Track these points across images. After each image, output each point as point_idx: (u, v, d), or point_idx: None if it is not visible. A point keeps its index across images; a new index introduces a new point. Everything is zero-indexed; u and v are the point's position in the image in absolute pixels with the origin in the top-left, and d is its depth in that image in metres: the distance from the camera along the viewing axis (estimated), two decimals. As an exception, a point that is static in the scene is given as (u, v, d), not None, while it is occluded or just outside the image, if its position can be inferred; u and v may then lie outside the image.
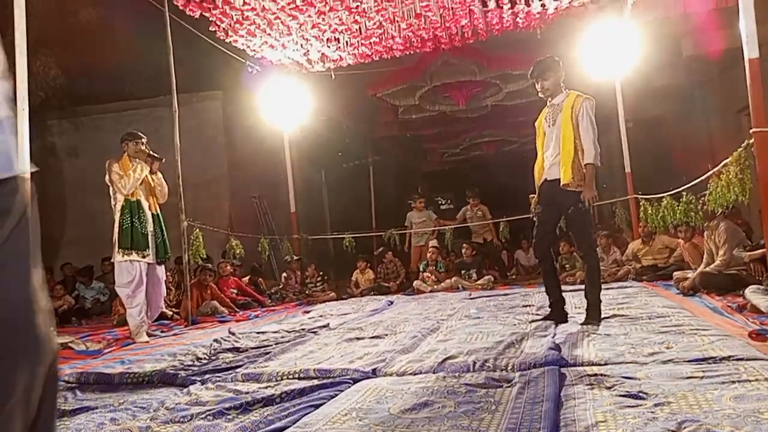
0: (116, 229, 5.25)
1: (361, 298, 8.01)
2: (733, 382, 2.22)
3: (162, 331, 5.79)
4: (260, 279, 8.74)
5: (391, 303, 6.82)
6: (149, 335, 5.35)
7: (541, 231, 4.19)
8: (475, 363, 2.92)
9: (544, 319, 4.22)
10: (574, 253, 7.67)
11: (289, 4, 6.41)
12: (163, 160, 5.71)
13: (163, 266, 5.67)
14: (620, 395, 2.20)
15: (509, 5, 6.94)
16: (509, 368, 2.83)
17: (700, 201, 5.50)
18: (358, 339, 4.18)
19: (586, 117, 3.98)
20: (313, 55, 8.05)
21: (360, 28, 7.22)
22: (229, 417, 2.40)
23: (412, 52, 8.06)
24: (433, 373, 2.87)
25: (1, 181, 1.21)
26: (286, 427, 2.18)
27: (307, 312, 6.67)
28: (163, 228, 5.59)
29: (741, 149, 4.20)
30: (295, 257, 9.06)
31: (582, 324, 3.90)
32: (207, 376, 3.22)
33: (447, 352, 3.26)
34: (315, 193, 13.55)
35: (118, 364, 3.86)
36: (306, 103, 9.12)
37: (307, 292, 8.61)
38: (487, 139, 14.45)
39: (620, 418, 1.94)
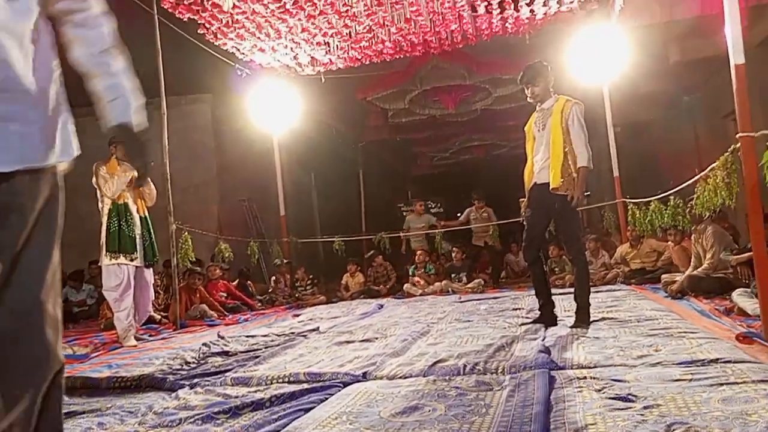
0: (103, 232, 5.20)
1: (351, 302, 8.00)
2: (721, 384, 2.24)
3: (150, 335, 5.74)
4: (249, 282, 8.70)
5: (381, 306, 6.81)
6: (137, 339, 5.30)
7: (530, 234, 4.21)
8: (465, 366, 2.92)
9: (534, 322, 4.23)
10: (564, 256, 7.70)
11: (279, 7, 6.40)
12: (152, 162, 5.66)
13: (151, 269, 5.62)
14: (610, 398, 2.21)
15: (498, 11, 6.99)
16: (499, 371, 2.83)
17: (688, 205, 5.55)
18: (348, 342, 4.17)
19: (577, 121, 4.01)
20: (302, 59, 8.04)
21: (350, 32, 7.22)
22: (218, 421, 2.38)
23: (402, 56, 8.08)
24: (424, 376, 2.87)
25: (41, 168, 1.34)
26: (276, 431, 2.16)
27: (297, 315, 6.65)
28: (152, 231, 5.54)
29: (728, 154, 4.24)
30: (285, 260, 9.02)
31: (571, 327, 3.92)
32: (196, 380, 3.20)
33: (437, 356, 3.26)
34: (305, 196, 13.51)
35: (105, 369, 3.82)
36: (296, 107, 9.10)
37: (296, 295, 8.57)
38: (477, 143, 14.51)
39: (610, 421, 1.95)
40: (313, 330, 4.97)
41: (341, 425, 2.18)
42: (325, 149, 12.65)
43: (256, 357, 3.78)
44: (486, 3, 6.82)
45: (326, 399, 2.56)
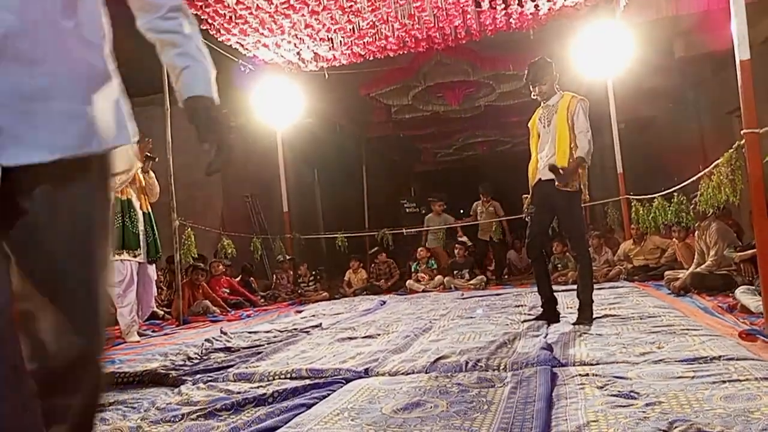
0: (107, 228, 5.19)
1: (354, 298, 8.00)
2: (724, 381, 2.23)
3: (153, 331, 5.76)
4: (252, 278, 8.71)
5: (384, 303, 6.82)
6: (140, 335, 5.31)
7: (533, 231, 4.20)
8: (467, 363, 2.92)
9: (537, 319, 4.23)
10: (567, 253, 7.69)
11: (282, 3, 6.39)
12: (156, 159, 5.67)
13: (154, 266, 5.63)
14: (612, 395, 2.21)
15: (502, 6, 6.96)
16: (501, 368, 2.83)
17: (692, 202, 5.53)
18: (350, 339, 4.17)
19: (582, 117, 4.00)
20: (306, 55, 8.03)
21: (353, 27, 7.21)
22: (220, 417, 2.39)
23: (405, 52, 8.05)
24: (426, 372, 2.87)
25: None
26: (277, 427, 2.17)
27: (300, 312, 6.66)
28: (155, 227, 5.55)
29: (732, 150, 4.22)
30: (288, 257, 9.03)
31: (574, 324, 3.91)
32: (198, 375, 3.20)
33: (439, 352, 3.26)
34: (308, 192, 13.52)
35: (108, 364, 3.83)
36: (299, 103, 9.10)
37: (299, 291, 8.59)
38: (480, 139, 14.47)
39: (612, 418, 1.95)
40: (316, 326, 4.97)
41: (343, 421, 2.18)
42: (328, 145, 12.65)
43: (259, 353, 3.78)
44: (490, -2, 6.80)
45: (328, 395, 2.57)
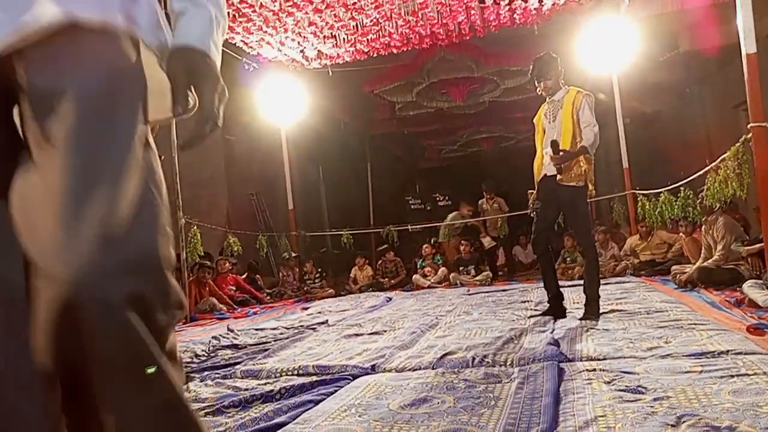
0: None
1: (360, 295, 8.02)
2: (732, 376, 2.22)
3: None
4: (258, 276, 8.74)
5: (390, 299, 6.83)
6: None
7: (539, 227, 4.19)
8: (474, 358, 2.93)
9: (543, 314, 4.22)
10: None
11: (286, 1, 6.39)
12: (162, 157, 5.69)
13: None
14: (619, 390, 2.20)
15: (506, 1, 6.94)
16: (508, 363, 2.83)
17: (699, 196, 5.52)
18: (356, 335, 4.18)
19: (587, 112, 3.99)
20: (310, 52, 8.03)
21: (357, 24, 7.20)
22: (228, 414, 2.40)
23: (409, 49, 8.05)
24: (432, 368, 2.87)
25: None
26: (285, 423, 2.18)
27: (306, 308, 6.67)
28: (161, 225, 5.57)
29: (739, 144, 4.21)
30: (293, 254, 9.05)
31: (581, 319, 3.91)
32: (206, 373, 3.22)
33: (446, 348, 3.27)
34: (313, 190, 13.54)
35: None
36: (303, 100, 9.11)
37: (305, 288, 8.60)
38: (485, 135, 14.44)
39: (619, 413, 1.94)
40: (322, 323, 4.99)
41: (350, 417, 2.19)
42: (332, 143, 12.66)
43: (266, 350, 3.80)
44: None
45: (335, 391, 2.57)
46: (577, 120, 3.99)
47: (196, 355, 3.81)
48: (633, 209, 7.79)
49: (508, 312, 4.72)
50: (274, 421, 2.20)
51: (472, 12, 7.15)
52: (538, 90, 4.22)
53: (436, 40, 7.82)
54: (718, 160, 4.57)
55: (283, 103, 8.93)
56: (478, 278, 8.05)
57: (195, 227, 6.91)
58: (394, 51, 7.98)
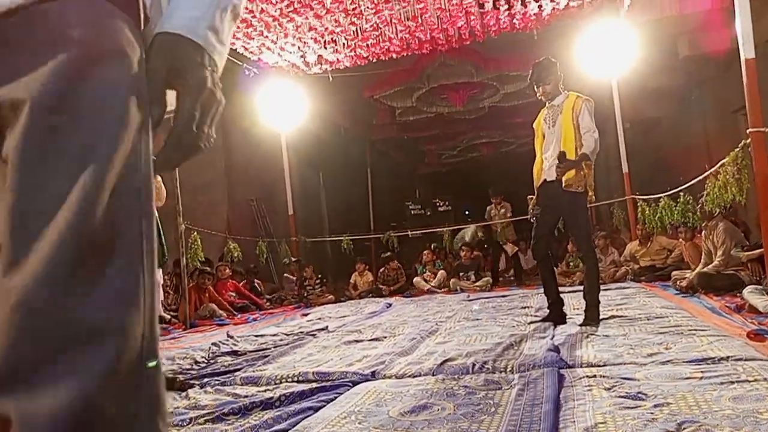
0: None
1: (360, 301, 8.01)
2: (732, 382, 2.22)
3: (160, 335, 5.76)
4: (257, 281, 8.73)
5: (390, 305, 6.82)
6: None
7: (539, 232, 4.19)
8: (474, 365, 2.92)
9: (543, 320, 4.22)
10: (580, 252, 7.71)
11: (287, 6, 6.41)
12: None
13: (160, 270, 5.65)
14: (619, 396, 2.20)
15: (506, 7, 6.96)
16: (508, 370, 2.83)
17: (699, 201, 5.52)
18: (356, 341, 4.17)
19: (587, 117, 3.99)
20: (310, 58, 8.05)
21: (357, 30, 7.23)
22: (228, 421, 2.39)
23: (409, 54, 8.07)
24: (432, 375, 2.87)
25: None
26: (285, 431, 2.17)
27: (306, 315, 6.66)
28: (161, 231, 5.57)
29: (738, 149, 4.21)
30: (293, 260, 9.05)
31: (581, 325, 3.90)
32: (206, 379, 3.21)
33: (446, 354, 3.26)
34: (313, 195, 13.54)
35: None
36: (303, 106, 9.12)
37: (305, 294, 8.59)
38: (485, 140, 14.47)
39: (620, 420, 1.94)
40: (322, 329, 4.98)
41: (350, 424, 2.18)
42: (333, 148, 12.67)
43: (266, 356, 3.79)
44: (493, -1, 6.81)
45: (335, 398, 2.57)
46: (577, 125, 3.99)
47: (196, 362, 3.80)
48: (633, 214, 7.79)
49: (508, 318, 4.72)
50: (274, 429, 2.19)
51: (472, 17, 7.17)
52: (537, 95, 4.23)
53: (436, 45, 7.85)
54: (718, 165, 4.57)
55: (283, 108, 8.95)
56: (478, 284, 8.05)
57: (195, 233, 6.91)
58: (394, 56, 8.00)
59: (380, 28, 7.26)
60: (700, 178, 5.15)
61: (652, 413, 1.96)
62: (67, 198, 0.64)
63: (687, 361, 2.61)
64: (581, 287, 4.28)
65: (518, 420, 2.06)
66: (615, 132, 8.25)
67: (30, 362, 0.60)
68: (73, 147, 0.66)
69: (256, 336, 4.83)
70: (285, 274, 9.04)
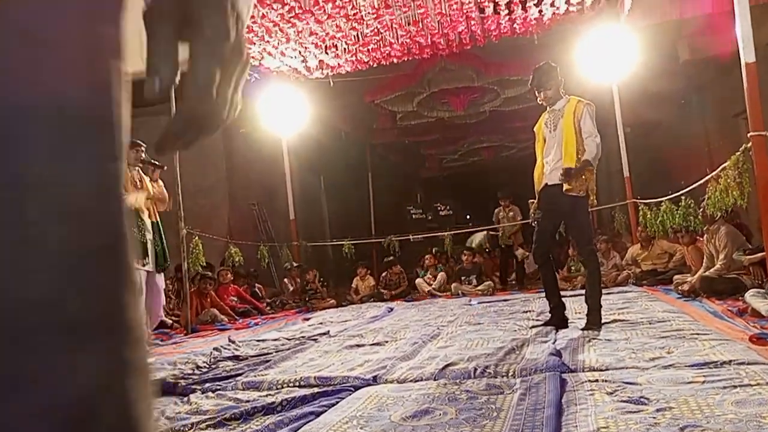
0: (115, 238, 5.23)
1: (361, 305, 8.00)
2: (735, 386, 2.21)
3: (161, 340, 5.77)
4: (258, 286, 8.73)
5: (391, 310, 6.81)
6: (148, 344, 5.32)
7: (540, 236, 4.19)
8: (476, 369, 2.91)
9: (545, 324, 4.21)
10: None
11: (288, 12, 6.44)
12: (164, 167, 5.71)
13: (162, 274, 5.66)
14: (622, 401, 2.19)
15: (506, 11, 6.98)
16: (510, 374, 2.82)
17: (700, 205, 5.52)
18: (358, 346, 4.17)
19: (589, 122, 3.99)
20: (311, 63, 8.08)
21: (358, 35, 7.25)
22: (229, 426, 2.39)
23: (409, 59, 8.09)
24: (434, 380, 2.86)
25: None
26: (287, 436, 2.17)
27: (307, 319, 6.66)
28: (163, 236, 5.58)
29: (739, 153, 4.21)
30: (295, 264, 9.04)
31: (583, 329, 3.89)
32: (207, 384, 3.21)
33: (448, 359, 3.25)
34: (314, 200, 13.56)
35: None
36: (304, 111, 9.14)
37: (306, 299, 8.59)
38: (486, 144, 14.49)
39: (622, 424, 1.93)
40: (324, 334, 4.97)
41: (352, 429, 2.18)
42: (334, 153, 12.69)
43: (267, 361, 3.79)
44: (494, 3, 6.82)
45: (337, 403, 2.56)
46: (579, 130, 4.00)
47: (198, 367, 3.80)
48: (634, 218, 7.79)
49: (510, 322, 4.71)
50: (276, 434, 2.19)
51: (473, 22, 7.19)
52: (538, 99, 4.23)
53: (436, 49, 7.86)
54: (719, 169, 4.58)
55: (284, 113, 8.97)
56: (479, 288, 8.04)
57: (196, 237, 6.92)
58: (395, 61, 8.02)
59: (381, 33, 7.28)
60: (701, 181, 5.15)
61: (654, 418, 1.96)
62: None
63: (689, 366, 2.61)
64: (583, 291, 4.28)
65: (520, 425, 2.06)
66: (616, 136, 8.26)
67: (27, 362, 0.50)
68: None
69: (258, 341, 4.82)
70: (284, 279, 9.03)
